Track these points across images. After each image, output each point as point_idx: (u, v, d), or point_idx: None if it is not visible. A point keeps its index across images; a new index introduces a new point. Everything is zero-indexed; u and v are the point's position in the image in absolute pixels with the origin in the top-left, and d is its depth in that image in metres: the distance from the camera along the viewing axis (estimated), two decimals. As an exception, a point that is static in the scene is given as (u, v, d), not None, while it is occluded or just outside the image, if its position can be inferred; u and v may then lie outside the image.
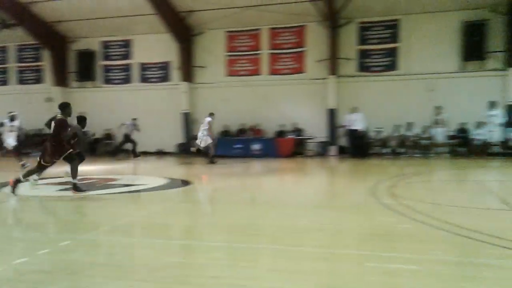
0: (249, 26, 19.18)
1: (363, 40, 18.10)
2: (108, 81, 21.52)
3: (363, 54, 18.10)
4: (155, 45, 20.50)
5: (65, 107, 7.90)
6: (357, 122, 16.45)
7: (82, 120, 9.03)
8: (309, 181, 11.64)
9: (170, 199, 8.41)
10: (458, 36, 17.04)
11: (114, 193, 8.67)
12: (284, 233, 5.52)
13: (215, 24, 19.08)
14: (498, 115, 15.60)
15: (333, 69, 17.99)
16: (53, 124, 7.78)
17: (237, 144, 18.17)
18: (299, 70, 18.84)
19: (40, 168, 8.01)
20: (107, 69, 21.50)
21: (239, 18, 18.44)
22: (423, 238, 5.32)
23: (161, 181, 10.27)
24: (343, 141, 17.86)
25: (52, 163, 7.91)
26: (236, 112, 19.09)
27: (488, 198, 8.05)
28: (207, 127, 14.48)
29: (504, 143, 15.73)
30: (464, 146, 16.22)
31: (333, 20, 17.67)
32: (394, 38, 17.73)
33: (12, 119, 13.34)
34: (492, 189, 8.27)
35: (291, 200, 8.28)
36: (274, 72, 19.16)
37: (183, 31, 19.66)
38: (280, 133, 18.59)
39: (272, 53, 19.18)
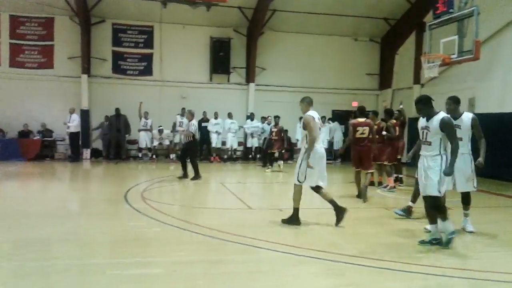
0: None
1: (118, 42, 17.76)
2: None
3: (119, 56, 17.78)
4: None
5: None
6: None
7: None
8: (56, 187, 10.76)
9: None
10: (208, 50, 18.53)
11: None
12: (21, 247, 4.99)
13: None
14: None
15: (86, 68, 17.10)
16: None
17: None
18: (47, 66, 17.17)
19: None
20: None
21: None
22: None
23: None
24: (98, 144, 17.26)
25: None
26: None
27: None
28: None
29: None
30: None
31: (84, 16, 16.79)
32: (148, 44, 18.03)
33: None
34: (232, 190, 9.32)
35: (34, 208, 7.50)
36: (16, 64, 16.95)
37: None
38: (24, 133, 16.54)
39: (14, 43, 16.95)
